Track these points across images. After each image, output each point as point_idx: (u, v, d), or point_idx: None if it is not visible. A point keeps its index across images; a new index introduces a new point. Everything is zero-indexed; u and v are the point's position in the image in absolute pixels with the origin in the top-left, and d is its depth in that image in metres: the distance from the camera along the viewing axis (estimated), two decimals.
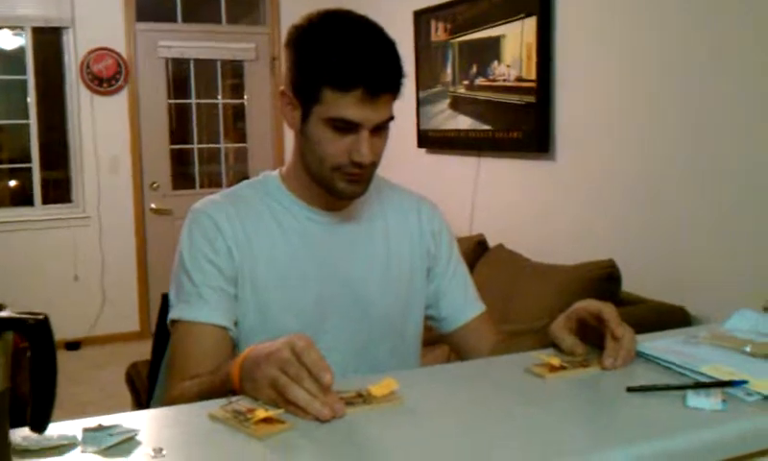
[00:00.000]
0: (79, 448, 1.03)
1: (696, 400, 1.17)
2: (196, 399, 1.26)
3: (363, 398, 1.19)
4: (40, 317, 0.84)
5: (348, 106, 1.40)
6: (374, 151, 1.45)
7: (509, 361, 1.45)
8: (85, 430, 1.06)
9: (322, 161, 1.46)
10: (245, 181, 1.65)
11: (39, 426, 0.91)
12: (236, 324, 1.51)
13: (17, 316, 0.84)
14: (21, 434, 1.02)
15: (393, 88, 1.44)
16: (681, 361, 1.33)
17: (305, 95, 1.44)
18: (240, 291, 1.51)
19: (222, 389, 1.24)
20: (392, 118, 1.47)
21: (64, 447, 1.03)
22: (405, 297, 1.64)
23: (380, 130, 1.46)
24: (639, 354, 1.40)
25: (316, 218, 1.57)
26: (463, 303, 1.70)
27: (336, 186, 1.48)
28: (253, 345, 1.25)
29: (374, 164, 1.49)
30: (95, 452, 1.02)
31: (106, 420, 1.10)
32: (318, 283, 1.54)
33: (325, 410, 1.10)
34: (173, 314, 1.51)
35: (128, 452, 1.02)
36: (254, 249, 1.52)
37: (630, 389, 1.24)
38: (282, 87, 1.52)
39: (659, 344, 1.44)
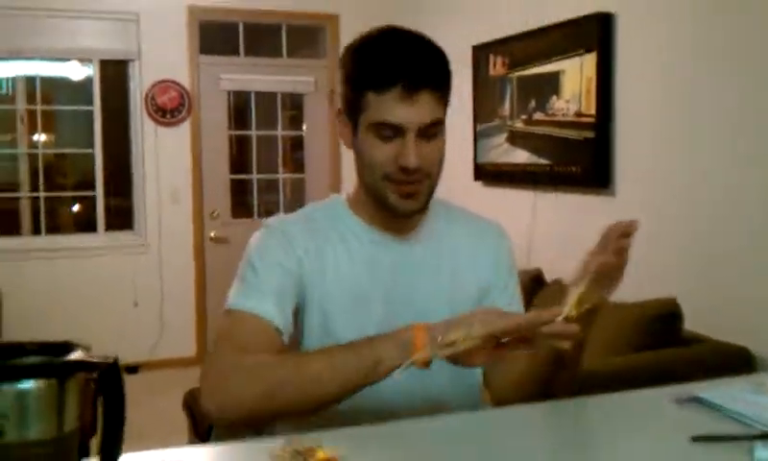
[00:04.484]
0: None
1: (764, 451, 1.14)
2: (315, 367, 1.30)
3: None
4: (110, 361, 0.84)
5: (388, 107, 1.39)
6: (424, 157, 1.42)
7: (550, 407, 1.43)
8: None
9: (372, 172, 1.46)
10: (312, 204, 1.65)
11: None
12: (300, 343, 1.49)
13: (88, 360, 0.85)
14: None
15: (432, 84, 1.41)
16: (748, 411, 1.30)
17: (353, 107, 1.45)
18: (307, 306, 1.49)
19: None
20: (440, 122, 1.44)
21: None
22: None
23: (430, 137, 1.43)
24: (705, 403, 1.37)
25: (381, 241, 1.55)
26: None
27: (389, 199, 1.46)
28: None
29: (427, 175, 1.46)
30: None
31: (169, 455, 1.11)
32: (382, 306, 1.51)
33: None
34: (230, 302, 1.45)
35: None
36: (324, 265, 1.50)
37: (695, 438, 1.21)
38: (338, 107, 1.53)
39: (724, 392, 1.41)
